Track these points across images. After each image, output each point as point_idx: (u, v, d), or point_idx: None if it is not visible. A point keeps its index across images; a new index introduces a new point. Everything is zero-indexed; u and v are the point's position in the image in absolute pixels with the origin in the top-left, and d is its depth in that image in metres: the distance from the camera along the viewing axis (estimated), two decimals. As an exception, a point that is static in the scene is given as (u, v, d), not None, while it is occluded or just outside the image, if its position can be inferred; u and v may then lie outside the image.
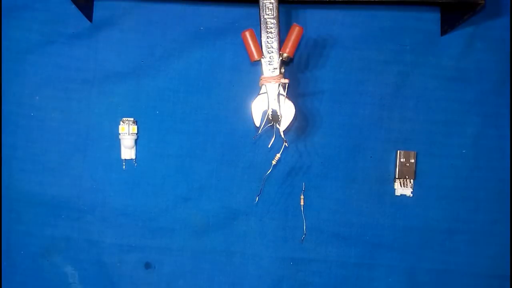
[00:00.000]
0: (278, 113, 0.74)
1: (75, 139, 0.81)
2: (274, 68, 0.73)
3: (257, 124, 0.75)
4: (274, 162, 0.78)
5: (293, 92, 0.79)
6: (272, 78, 0.73)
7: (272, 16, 0.73)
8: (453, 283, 0.80)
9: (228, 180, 0.81)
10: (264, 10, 0.72)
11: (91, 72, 0.82)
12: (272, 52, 0.73)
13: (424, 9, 0.81)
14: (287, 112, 0.74)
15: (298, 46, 0.74)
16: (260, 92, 0.74)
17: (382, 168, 0.81)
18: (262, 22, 0.73)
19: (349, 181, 0.81)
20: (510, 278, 0.80)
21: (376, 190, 0.81)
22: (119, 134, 0.80)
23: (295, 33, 0.72)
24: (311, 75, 0.81)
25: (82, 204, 0.81)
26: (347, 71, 0.81)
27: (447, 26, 0.79)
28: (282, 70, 0.74)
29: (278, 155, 0.77)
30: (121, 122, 0.80)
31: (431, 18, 0.81)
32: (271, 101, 0.73)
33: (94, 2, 0.82)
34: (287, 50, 0.72)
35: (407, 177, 0.79)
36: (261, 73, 0.73)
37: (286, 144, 0.75)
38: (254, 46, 0.72)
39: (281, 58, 0.73)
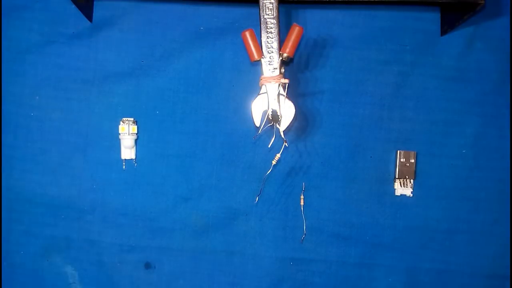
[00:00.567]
0: (278, 113, 0.74)
1: (75, 139, 0.81)
2: (274, 68, 0.73)
3: (257, 124, 0.75)
4: (274, 162, 0.78)
5: (293, 92, 0.79)
6: (272, 78, 0.73)
7: (272, 16, 0.73)
8: (453, 283, 0.80)
9: (228, 180, 0.81)
10: (264, 10, 0.72)
11: (91, 72, 0.82)
12: (272, 52, 0.73)
13: (424, 9, 0.81)
14: (287, 112, 0.74)
15: (298, 46, 0.74)
16: (260, 92, 0.74)
17: (382, 168, 0.81)
18: (262, 22, 0.73)
19: (349, 181, 0.81)
20: (510, 278, 0.80)
21: (376, 190, 0.81)
22: (119, 134, 0.80)
23: (295, 33, 0.72)
24: (311, 75, 0.81)
25: (82, 204, 0.81)
26: (347, 71, 0.81)
27: (447, 26, 0.79)
28: (282, 70, 0.74)
29: (278, 155, 0.77)
30: (121, 122, 0.80)
31: (431, 18, 0.81)
32: (271, 101, 0.73)
33: (94, 2, 0.82)
34: (287, 50, 0.72)
35: (407, 177, 0.79)
36: (261, 73, 0.73)
37: (286, 144, 0.75)
38: (254, 46, 0.72)
39: (281, 58, 0.73)
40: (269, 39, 0.73)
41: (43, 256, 0.82)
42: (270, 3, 0.72)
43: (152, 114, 0.82)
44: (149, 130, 0.82)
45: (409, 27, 0.81)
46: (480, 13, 0.77)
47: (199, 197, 0.81)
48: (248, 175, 0.81)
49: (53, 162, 0.81)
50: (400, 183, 0.80)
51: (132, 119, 0.80)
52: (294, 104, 0.74)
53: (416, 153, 0.80)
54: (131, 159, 0.81)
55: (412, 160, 0.79)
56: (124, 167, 0.81)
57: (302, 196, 0.80)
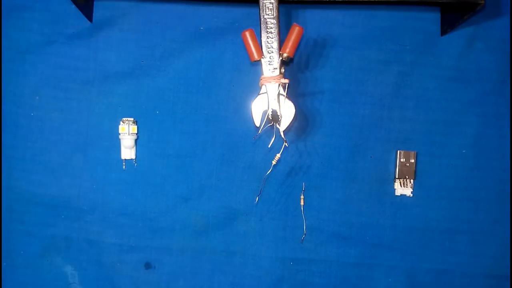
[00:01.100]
0: (278, 113, 0.74)
1: (75, 139, 0.81)
2: (274, 68, 0.73)
3: (257, 124, 0.75)
4: (274, 162, 0.78)
5: (293, 92, 0.79)
6: (272, 78, 0.73)
7: (272, 16, 0.73)
8: (453, 283, 0.80)
9: (228, 180, 0.81)
10: (264, 10, 0.72)
11: (91, 72, 0.82)
12: (272, 52, 0.73)
13: (424, 9, 0.81)
14: (287, 112, 0.74)
15: (298, 46, 0.74)
16: (260, 92, 0.74)
17: (382, 168, 0.81)
18: (262, 22, 0.73)
19: (349, 181, 0.81)
20: (510, 278, 0.80)
21: (376, 190, 0.81)
22: (119, 134, 0.80)
23: (295, 33, 0.72)
24: (311, 75, 0.81)
25: (82, 204, 0.81)
26: (347, 71, 0.81)
27: (447, 26, 0.79)
28: (282, 70, 0.74)
29: (278, 155, 0.77)
30: (121, 122, 0.80)
31: (431, 18, 0.81)
32: (271, 101, 0.73)
33: (94, 2, 0.82)
34: (287, 50, 0.72)
35: (407, 177, 0.79)
36: (261, 73, 0.73)
37: (286, 144, 0.75)
38: (254, 46, 0.72)
39: (281, 58, 0.73)
40: (269, 39, 0.73)
41: (43, 256, 0.82)
42: (270, 3, 0.72)
43: (152, 114, 0.82)
44: (149, 130, 0.82)
45: (409, 27, 0.81)
46: (480, 13, 0.77)
47: (199, 197, 0.81)
48: (248, 175, 0.81)
49: (53, 162, 0.81)
50: (400, 183, 0.80)
51: (132, 119, 0.80)
52: (294, 104, 0.74)
53: (416, 153, 0.80)
54: (131, 159, 0.81)
55: (412, 160, 0.79)
56: (124, 167, 0.81)
57: (302, 196, 0.80)
